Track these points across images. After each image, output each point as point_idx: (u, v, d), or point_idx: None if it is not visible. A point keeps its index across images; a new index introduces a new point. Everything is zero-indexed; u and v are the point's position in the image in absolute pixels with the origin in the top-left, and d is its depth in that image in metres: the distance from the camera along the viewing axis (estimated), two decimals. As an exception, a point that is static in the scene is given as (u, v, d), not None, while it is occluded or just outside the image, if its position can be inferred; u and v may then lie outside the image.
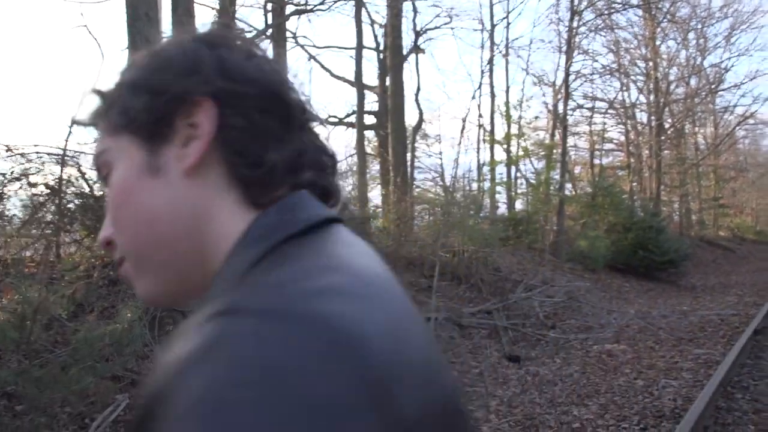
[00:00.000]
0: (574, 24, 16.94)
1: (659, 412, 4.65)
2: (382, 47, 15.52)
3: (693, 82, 28.82)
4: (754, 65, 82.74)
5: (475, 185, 15.90)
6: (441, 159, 20.15)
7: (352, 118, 15.74)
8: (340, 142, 17.42)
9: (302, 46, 14.75)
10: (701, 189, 32.23)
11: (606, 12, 18.48)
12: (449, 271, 10.07)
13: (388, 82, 13.66)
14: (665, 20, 23.25)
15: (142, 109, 0.55)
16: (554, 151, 17.36)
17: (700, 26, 27.01)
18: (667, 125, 26.37)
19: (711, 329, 8.51)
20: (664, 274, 15.88)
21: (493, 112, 17.19)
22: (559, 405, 4.98)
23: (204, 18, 11.71)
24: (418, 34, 15.99)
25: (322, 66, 15.15)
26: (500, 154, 17.51)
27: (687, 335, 8.09)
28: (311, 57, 14.67)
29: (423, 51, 17.44)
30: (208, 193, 0.54)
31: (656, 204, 21.93)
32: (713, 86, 30.12)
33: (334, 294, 0.42)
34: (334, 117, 15.59)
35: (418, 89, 16.54)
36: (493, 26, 17.11)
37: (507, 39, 17.54)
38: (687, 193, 29.26)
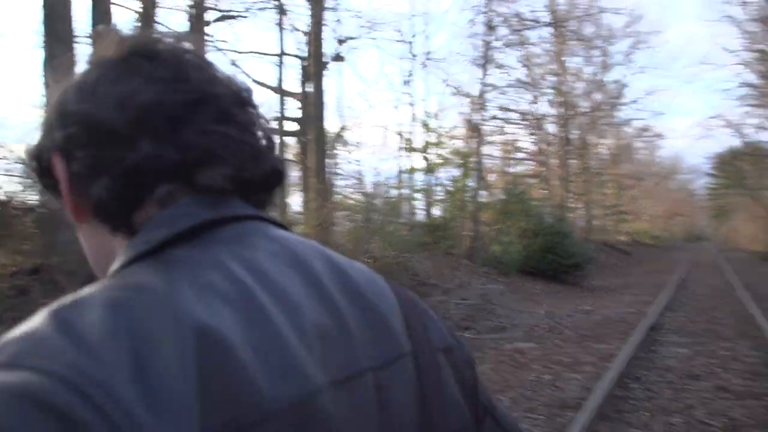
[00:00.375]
0: (489, 38, 17.75)
1: (564, 403, 5.05)
2: (304, 54, 15.59)
3: (596, 96, 30.83)
4: (650, 82, 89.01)
5: (393, 192, 16.26)
6: (360, 166, 20.41)
7: (274, 124, 15.74)
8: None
9: (223, 51, 14.56)
10: (604, 196, 34.42)
11: (519, 28, 19.48)
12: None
13: (309, 89, 13.77)
14: (572, 38, 24.78)
15: (34, 173, 0.62)
16: (470, 159, 18.05)
17: (603, 44, 28.97)
18: (573, 136, 28.02)
19: (611, 326, 9.21)
20: (570, 277, 16.84)
21: (412, 121, 17.69)
22: (475, 400, 5.30)
23: (124, 20, 11.36)
24: (340, 43, 16.20)
25: (244, 72, 15.01)
26: (419, 162, 18.01)
27: (589, 332, 8.72)
28: (233, 62, 14.52)
29: (344, 59, 17.64)
30: (103, 234, 0.58)
31: (563, 210, 23.19)
32: (614, 100, 32.33)
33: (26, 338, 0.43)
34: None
35: (341, 97, 16.69)
36: (413, 38, 17.63)
37: (426, 50, 18.15)
38: (591, 201, 31.16)
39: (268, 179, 0.62)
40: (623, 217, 36.02)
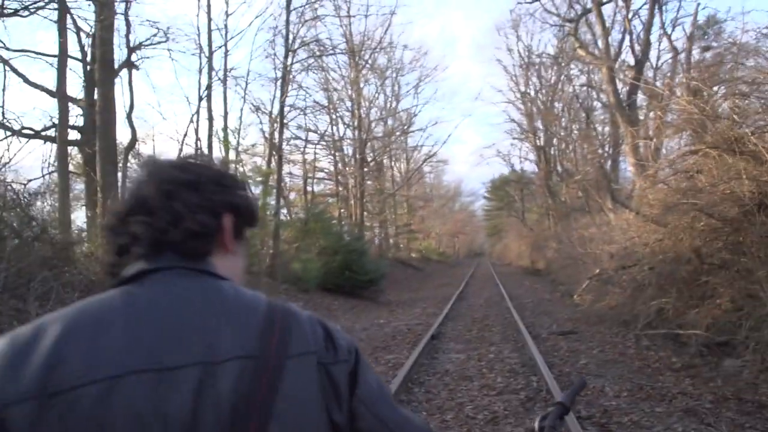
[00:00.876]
0: (289, 60, 18.12)
1: (356, 411, 5.39)
2: (89, 58, 14.39)
3: (390, 122, 33.07)
4: (435, 112, 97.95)
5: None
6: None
7: (51, 132, 14.21)
8: (36, 158, 15.33)
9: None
10: (396, 216, 36.79)
11: (317, 54, 20.18)
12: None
13: (96, 96, 12.73)
14: (366, 67, 26.34)
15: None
16: (271, 177, 18.13)
17: (394, 75, 31.26)
18: (369, 158, 29.62)
19: (400, 337, 9.96)
20: (366, 292, 17.74)
21: (210, 137, 17.23)
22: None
23: None
24: (131, 50, 15.26)
25: (16, 71, 13.37)
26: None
27: (381, 344, 9.33)
28: (3, 61, 12.85)
29: (137, 67, 16.64)
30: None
31: (360, 229, 24.34)
32: (405, 127, 34.94)
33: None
34: (29, 129, 13.79)
35: (132, 107, 15.65)
36: (211, 52, 17.24)
37: (225, 66, 17.86)
38: (385, 220, 33.12)
39: (186, 240, 0.84)
40: (414, 235, 38.81)
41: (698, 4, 22.74)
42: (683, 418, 4.84)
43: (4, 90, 13.54)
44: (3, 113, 13.07)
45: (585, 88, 28.60)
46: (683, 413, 4.99)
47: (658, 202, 8.59)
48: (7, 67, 13.11)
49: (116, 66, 13.59)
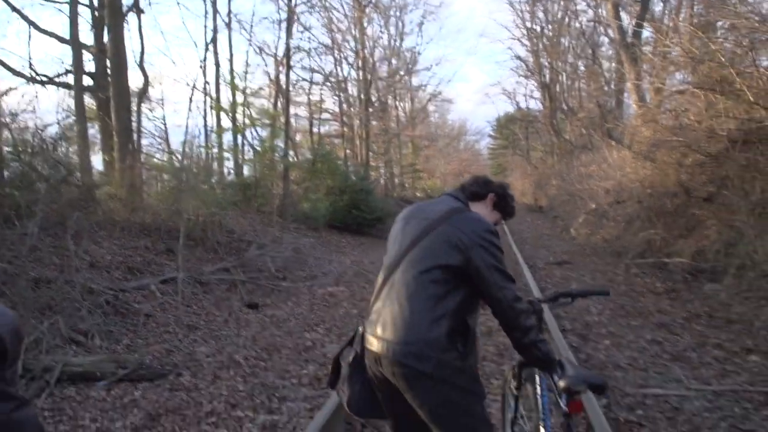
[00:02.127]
0: (293, 1, 18.18)
1: (368, 329, 6.12)
2: (97, 3, 14.55)
3: (393, 62, 32.95)
4: (440, 50, 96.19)
5: (203, 151, 16.17)
6: (165, 124, 19.74)
7: (63, 78, 14.56)
8: (50, 104, 15.81)
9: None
10: (401, 156, 37.15)
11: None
12: (185, 234, 10.50)
13: (106, 41, 13.00)
14: (370, 5, 26.14)
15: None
16: (278, 119, 18.53)
17: (398, 13, 30.95)
18: (373, 98, 29.75)
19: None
20: (374, 230, 18.41)
21: (218, 81, 17.54)
22: (294, 333, 6.14)
23: None
24: (136, -6, 15.36)
25: (26, 19, 13.57)
26: (227, 122, 18.01)
27: (389, 275, 10.03)
28: (14, 9, 13.06)
29: (143, 11, 16.77)
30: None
31: (366, 169, 24.83)
32: (410, 66, 34.81)
33: None
34: (44, 76, 14.13)
35: (143, 52, 15.87)
36: (216, -6, 17.29)
37: (229, 9, 17.97)
38: (390, 160, 33.53)
39: (468, 194, 2.32)
40: (419, 175, 39.25)
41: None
42: (654, 330, 5.53)
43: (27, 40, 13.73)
44: (30, 63, 13.46)
45: (592, 23, 28.37)
46: (655, 326, 5.69)
47: (648, 138, 9.06)
48: (19, 15, 13.32)
49: (124, 10, 13.77)
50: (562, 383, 1.83)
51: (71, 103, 13.05)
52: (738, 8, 7.69)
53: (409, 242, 1.93)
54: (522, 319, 1.82)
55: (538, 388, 2.20)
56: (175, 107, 38.21)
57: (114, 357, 5.07)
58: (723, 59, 7.26)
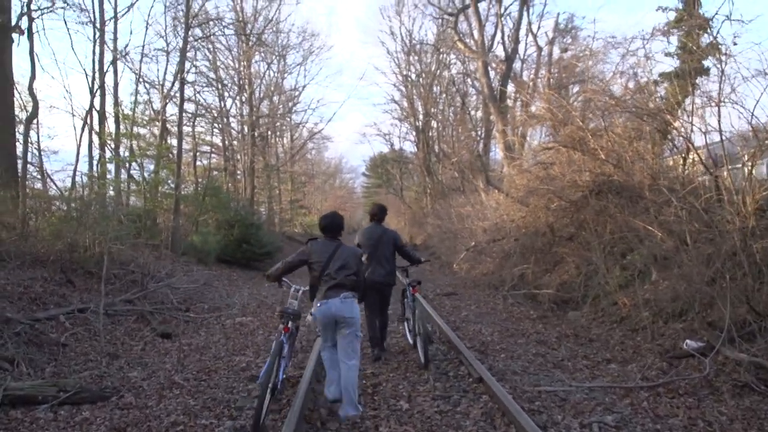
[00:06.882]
0: (182, 36, 18.36)
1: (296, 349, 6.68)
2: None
3: (276, 99, 33.56)
4: (320, 90, 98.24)
5: (94, 182, 15.59)
6: (40, 150, 18.65)
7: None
8: None
9: None
10: (281, 192, 37.53)
11: (210, 33, 20.52)
12: (80, 266, 10.30)
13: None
14: (255, 43, 26.75)
15: None
16: (168, 151, 18.38)
17: (282, 52, 31.77)
18: (256, 134, 30.07)
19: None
20: (262, 264, 18.67)
21: (104, 110, 17.09)
22: (223, 358, 6.55)
23: None
24: (21, 15, 14.82)
25: None
26: (113, 152, 17.52)
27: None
28: None
29: (23, 32, 16.10)
30: None
31: (252, 204, 25.01)
32: (291, 104, 35.62)
33: None
34: None
35: (33, 77, 15.12)
36: (103, 23, 17.01)
37: (115, 38, 17.77)
38: (273, 195, 33.80)
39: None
40: (300, 210, 39.78)
41: (558, 15, 25.58)
42: (536, 346, 6.70)
43: None
44: None
45: (461, 75, 31.12)
46: (536, 343, 6.87)
47: (523, 186, 10.60)
48: None
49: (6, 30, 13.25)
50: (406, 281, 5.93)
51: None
52: (590, 85, 9.47)
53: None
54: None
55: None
56: (49, 132, 35.92)
57: (54, 381, 5.22)
58: (581, 123, 8.89)
